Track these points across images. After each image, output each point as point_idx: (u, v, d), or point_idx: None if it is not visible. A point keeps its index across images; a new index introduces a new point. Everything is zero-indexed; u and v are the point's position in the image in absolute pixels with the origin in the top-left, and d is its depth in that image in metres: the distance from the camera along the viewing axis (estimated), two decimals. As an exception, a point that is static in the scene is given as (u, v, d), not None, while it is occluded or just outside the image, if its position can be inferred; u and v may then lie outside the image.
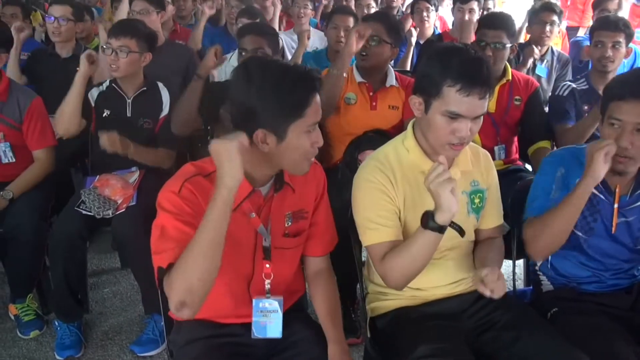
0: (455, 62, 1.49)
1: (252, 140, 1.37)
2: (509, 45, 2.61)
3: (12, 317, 2.59)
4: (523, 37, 4.03)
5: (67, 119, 2.50)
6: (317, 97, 1.39)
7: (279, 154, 1.39)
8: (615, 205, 1.70)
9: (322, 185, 1.62)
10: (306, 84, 1.37)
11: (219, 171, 1.29)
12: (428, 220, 1.44)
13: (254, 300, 1.53)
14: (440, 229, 1.43)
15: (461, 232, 1.52)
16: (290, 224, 1.55)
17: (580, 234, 1.74)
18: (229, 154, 1.28)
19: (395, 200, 1.60)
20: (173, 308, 1.31)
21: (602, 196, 1.71)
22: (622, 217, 1.72)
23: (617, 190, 1.70)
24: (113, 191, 2.42)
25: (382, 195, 1.59)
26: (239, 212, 1.45)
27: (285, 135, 1.36)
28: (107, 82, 2.61)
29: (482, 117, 1.54)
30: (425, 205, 1.61)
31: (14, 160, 2.54)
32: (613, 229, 1.72)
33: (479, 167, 1.71)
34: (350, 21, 3.19)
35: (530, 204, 1.77)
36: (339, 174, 2.49)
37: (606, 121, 1.65)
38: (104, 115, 2.57)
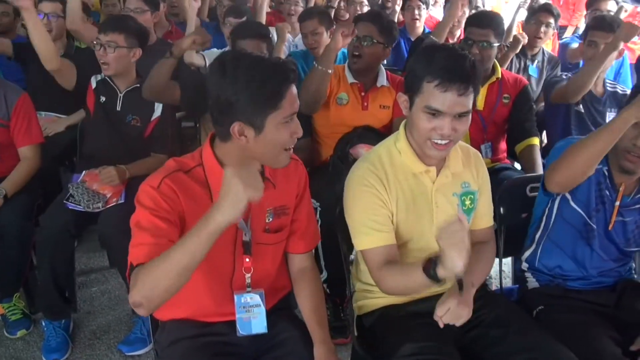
0: (437, 59, 1.49)
1: (229, 134, 1.37)
2: (496, 44, 2.62)
3: (-1, 317, 2.58)
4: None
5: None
6: (293, 89, 1.39)
7: (258, 146, 1.39)
8: (617, 203, 1.72)
9: (303, 182, 1.62)
10: (280, 75, 1.36)
11: (221, 201, 1.19)
12: (430, 269, 1.36)
13: (235, 296, 1.52)
14: (439, 281, 1.36)
15: (460, 286, 1.44)
16: (271, 219, 1.54)
17: (592, 223, 1.75)
18: (238, 195, 1.17)
19: (388, 204, 1.59)
20: (130, 302, 1.30)
21: (607, 191, 1.72)
22: (620, 216, 1.73)
23: (621, 188, 1.71)
24: (102, 186, 2.41)
25: (375, 199, 1.58)
26: None
27: (263, 127, 1.36)
28: (101, 75, 2.63)
29: (468, 116, 1.52)
30: (417, 208, 1.62)
31: None
32: (610, 225, 1.74)
33: (469, 167, 1.70)
34: (315, 23, 3.20)
35: (551, 158, 1.77)
36: (330, 168, 2.50)
37: None
38: (101, 100, 2.60)
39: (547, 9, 3.57)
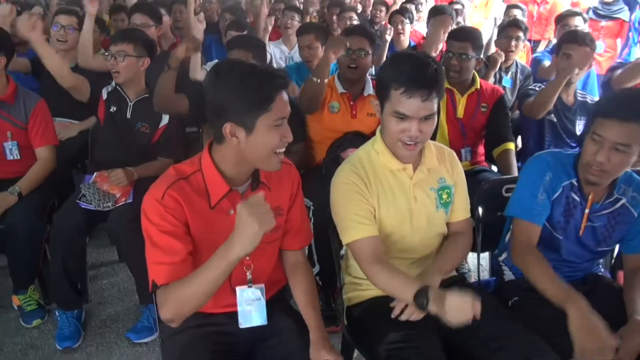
0: (402, 68, 1.51)
1: (222, 136, 1.37)
2: (474, 57, 2.62)
3: (15, 308, 2.55)
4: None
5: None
6: (283, 94, 1.38)
7: (250, 147, 1.38)
8: (587, 211, 1.70)
9: (296, 185, 1.61)
10: (271, 81, 1.35)
11: (239, 235, 1.21)
12: (423, 298, 1.42)
13: (237, 290, 1.51)
14: (424, 309, 1.43)
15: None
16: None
17: (555, 234, 1.73)
18: (255, 231, 1.19)
19: (370, 200, 1.60)
20: (162, 319, 1.36)
21: (578, 199, 1.70)
22: (590, 222, 1.71)
23: (590, 197, 1.69)
24: (111, 186, 2.40)
25: (358, 195, 1.59)
26: (218, 210, 1.44)
27: (253, 128, 1.35)
28: (112, 84, 2.60)
29: (434, 118, 1.54)
30: (397, 203, 1.62)
31: (19, 157, 2.52)
32: (581, 231, 1.71)
33: (444, 164, 1.71)
34: (312, 38, 3.18)
35: (515, 201, 1.75)
36: (322, 169, 2.50)
37: (590, 135, 1.62)
38: (111, 110, 2.57)
39: (515, 24, 3.59)
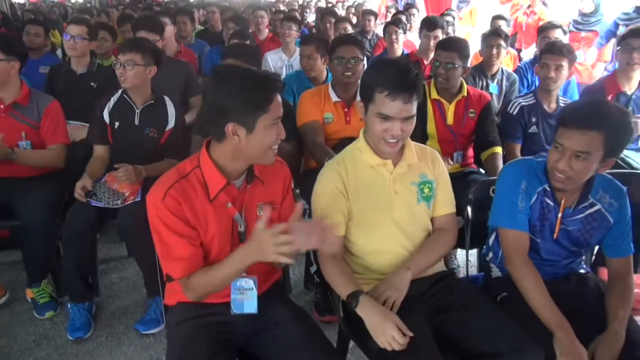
0: (386, 72, 1.55)
1: (223, 134, 1.39)
2: (460, 65, 2.64)
3: (29, 300, 2.55)
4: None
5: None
6: (278, 97, 1.42)
7: (249, 145, 1.41)
8: (559, 215, 1.69)
9: (288, 182, 1.64)
10: (268, 83, 1.39)
11: (254, 248, 1.34)
12: (352, 302, 1.52)
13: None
14: (352, 306, 1.53)
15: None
16: (262, 213, 1.54)
17: (532, 237, 1.73)
18: (267, 251, 1.30)
19: (345, 201, 1.64)
20: (188, 298, 1.50)
21: (552, 204, 1.69)
22: (564, 225, 1.70)
23: (562, 202, 1.68)
24: (121, 185, 2.39)
25: (331, 193, 1.64)
26: (217, 203, 1.46)
27: (254, 128, 1.38)
28: (119, 93, 2.57)
29: (413, 119, 1.58)
30: (377, 197, 1.66)
31: None
32: (555, 234, 1.71)
33: (426, 161, 1.73)
34: (312, 49, 3.18)
35: (498, 212, 1.73)
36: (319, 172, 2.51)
37: (553, 143, 1.61)
38: (115, 126, 2.53)
39: (495, 33, 3.60)
